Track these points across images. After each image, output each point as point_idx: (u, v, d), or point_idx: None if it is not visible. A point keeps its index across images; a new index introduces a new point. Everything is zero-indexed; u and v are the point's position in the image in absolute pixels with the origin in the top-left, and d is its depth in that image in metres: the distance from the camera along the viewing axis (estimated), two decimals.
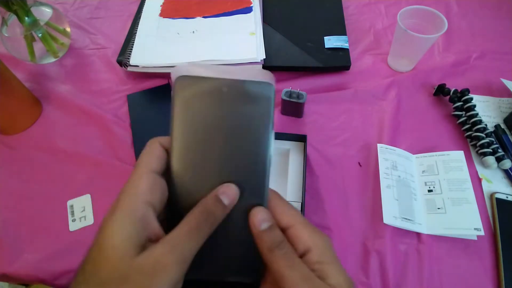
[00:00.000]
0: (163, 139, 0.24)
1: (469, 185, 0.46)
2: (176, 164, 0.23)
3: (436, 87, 0.56)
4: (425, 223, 0.44)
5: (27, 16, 0.58)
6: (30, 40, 0.60)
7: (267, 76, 0.25)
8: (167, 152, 0.24)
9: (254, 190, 0.24)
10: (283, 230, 0.23)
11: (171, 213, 0.23)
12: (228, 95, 0.24)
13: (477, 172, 0.49)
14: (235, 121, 0.24)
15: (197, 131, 0.24)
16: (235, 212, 0.23)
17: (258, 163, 0.24)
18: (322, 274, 0.22)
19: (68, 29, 0.66)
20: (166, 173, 0.23)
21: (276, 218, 0.24)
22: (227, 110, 0.24)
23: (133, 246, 0.19)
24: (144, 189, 0.21)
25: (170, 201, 0.23)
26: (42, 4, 0.62)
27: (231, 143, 0.24)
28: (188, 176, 0.23)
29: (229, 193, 0.23)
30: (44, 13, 0.61)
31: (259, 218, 0.23)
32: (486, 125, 0.50)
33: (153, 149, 0.23)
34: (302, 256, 0.22)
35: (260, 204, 0.24)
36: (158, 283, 0.19)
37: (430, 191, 0.47)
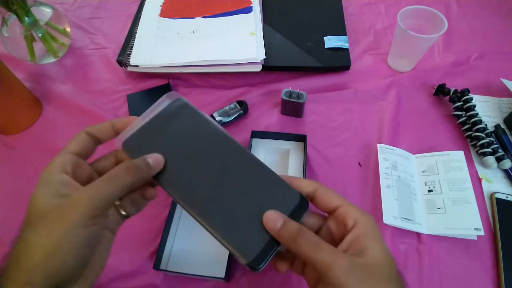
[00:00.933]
0: (90, 128, 0.28)
1: (469, 185, 0.46)
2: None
3: (436, 87, 0.56)
4: (425, 223, 0.44)
5: (27, 16, 0.58)
6: (30, 40, 0.60)
7: (173, 94, 0.29)
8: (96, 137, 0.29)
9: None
10: (333, 211, 0.26)
11: None
12: (162, 128, 0.28)
13: (477, 172, 0.49)
14: (191, 141, 0.27)
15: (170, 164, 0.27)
16: (258, 194, 0.26)
17: (240, 157, 0.27)
18: (364, 248, 0.23)
19: (68, 29, 0.66)
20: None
21: (325, 202, 0.27)
22: (177, 136, 0.28)
23: (52, 196, 0.24)
24: (57, 162, 0.26)
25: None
26: (42, 4, 0.62)
27: (208, 158, 0.27)
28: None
29: (155, 159, 0.27)
30: (44, 13, 0.61)
31: (271, 220, 0.25)
32: (486, 125, 0.50)
33: (76, 136, 0.28)
34: (351, 229, 0.25)
35: (286, 185, 0.27)
36: (72, 215, 0.23)
37: (430, 191, 0.47)
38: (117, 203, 0.28)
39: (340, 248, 0.24)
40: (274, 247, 0.25)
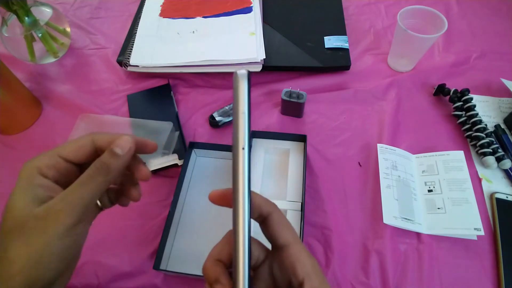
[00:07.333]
0: (98, 136, 0.26)
1: (469, 185, 0.46)
2: None
3: (436, 87, 0.56)
4: (425, 223, 0.44)
5: (27, 16, 0.58)
6: (30, 40, 0.60)
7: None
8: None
9: None
10: (280, 248, 0.23)
11: None
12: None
13: (477, 172, 0.49)
14: None
15: None
16: None
17: None
18: None
19: (68, 29, 0.66)
20: None
21: (273, 232, 0.23)
22: None
23: (30, 202, 0.23)
24: (40, 164, 0.24)
25: None
26: (42, 4, 0.62)
27: None
28: None
29: (122, 144, 0.25)
30: (44, 13, 0.61)
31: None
32: (486, 125, 0.50)
33: (80, 140, 0.26)
34: (300, 284, 0.22)
35: None
36: (51, 226, 0.22)
37: (430, 191, 0.47)
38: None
39: None
40: None
